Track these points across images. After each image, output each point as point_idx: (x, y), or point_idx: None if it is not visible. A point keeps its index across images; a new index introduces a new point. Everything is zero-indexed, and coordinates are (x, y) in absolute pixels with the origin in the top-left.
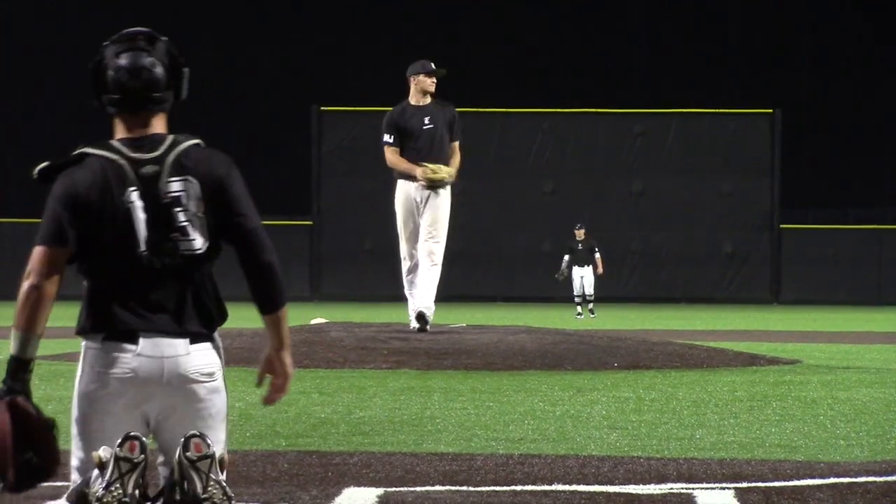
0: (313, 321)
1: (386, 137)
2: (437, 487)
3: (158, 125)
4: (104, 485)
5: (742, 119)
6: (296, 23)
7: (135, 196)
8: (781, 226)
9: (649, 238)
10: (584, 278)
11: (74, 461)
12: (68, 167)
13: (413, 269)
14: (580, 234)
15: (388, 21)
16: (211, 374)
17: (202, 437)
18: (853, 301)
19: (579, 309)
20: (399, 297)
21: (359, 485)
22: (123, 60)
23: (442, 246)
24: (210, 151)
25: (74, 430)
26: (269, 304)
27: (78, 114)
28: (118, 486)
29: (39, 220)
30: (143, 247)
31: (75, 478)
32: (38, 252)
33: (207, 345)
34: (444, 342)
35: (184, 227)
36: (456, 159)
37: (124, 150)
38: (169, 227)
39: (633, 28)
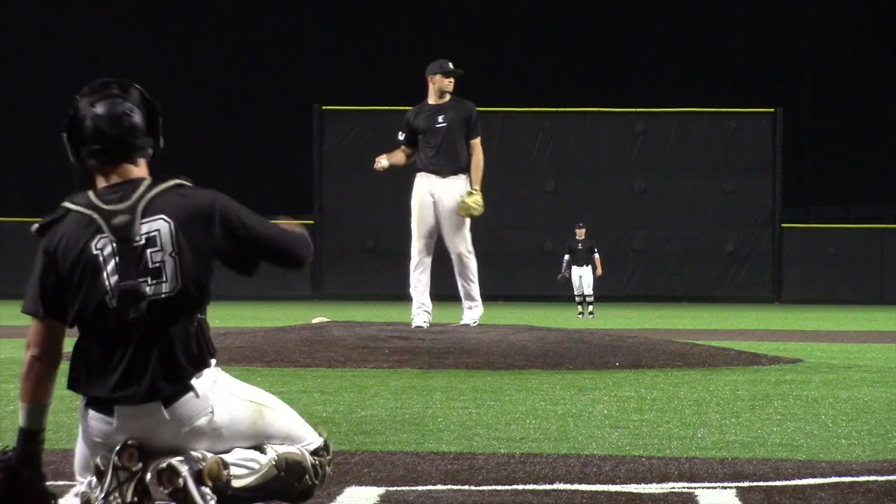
0: (314, 320)
1: (398, 135)
2: (439, 486)
3: (139, 171)
4: (103, 494)
5: (743, 118)
6: (297, 22)
7: (102, 243)
8: (783, 225)
9: (651, 237)
10: (582, 278)
11: (78, 475)
12: (55, 224)
13: (419, 266)
14: (580, 233)
15: (390, 21)
16: (198, 428)
17: (170, 468)
18: (855, 300)
19: (580, 308)
20: (401, 297)
21: (360, 484)
22: (101, 109)
23: (468, 242)
24: (192, 190)
25: (78, 455)
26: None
27: None
28: (117, 495)
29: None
30: (111, 294)
31: (79, 481)
32: (32, 323)
33: (189, 396)
34: (446, 341)
35: (156, 268)
36: (477, 157)
37: (98, 202)
38: (140, 270)
39: (634, 27)
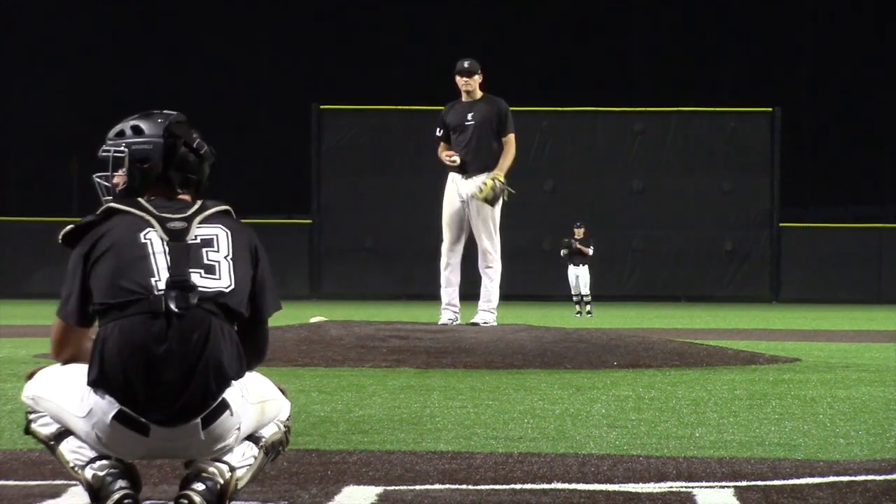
0: (312, 319)
1: (436, 132)
2: (437, 486)
3: (186, 198)
4: None
5: (742, 117)
6: (296, 21)
7: (152, 236)
8: (781, 224)
9: (649, 236)
10: (579, 278)
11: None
12: (94, 226)
13: (448, 266)
14: (579, 232)
15: (388, 21)
16: (226, 444)
17: (187, 498)
18: (853, 299)
19: (578, 307)
20: (399, 296)
21: (358, 483)
22: (205, 146)
23: (496, 243)
24: (239, 221)
25: (68, 427)
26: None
27: (76, 112)
28: None
29: (36, 219)
30: (159, 284)
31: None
32: (55, 325)
33: (226, 415)
34: (444, 341)
35: (211, 265)
36: (508, 149)
37: (152, 208)
38: (193, 263)
39: (632, 26)
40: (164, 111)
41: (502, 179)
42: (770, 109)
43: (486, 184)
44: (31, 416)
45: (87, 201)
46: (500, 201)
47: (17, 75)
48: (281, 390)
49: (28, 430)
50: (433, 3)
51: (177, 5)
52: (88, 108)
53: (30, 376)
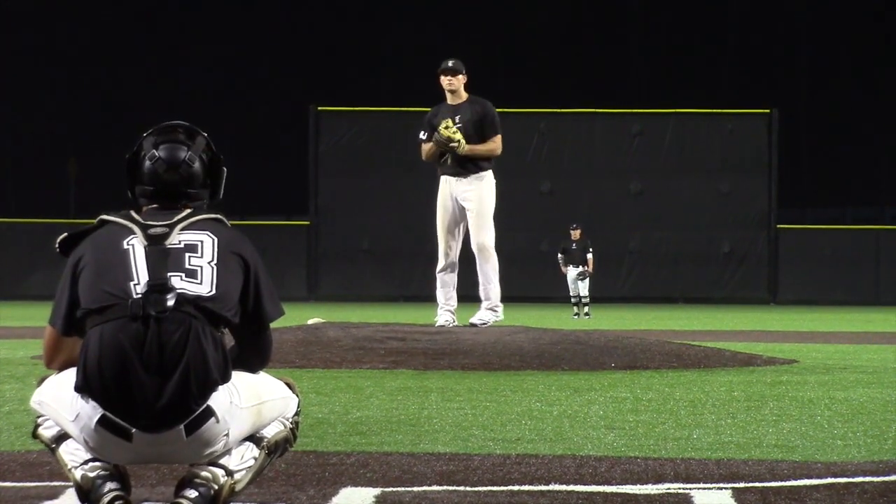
0: (310, 321)
1: (420, 134)
2: (434, 487)
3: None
4: None
5: (739, 119)
6: (294, 22)
7: (134, 241)
8: (779, 226)
9: (647, 238)
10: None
11: (54, 425)
12: (86, 235)
13: (445, 268)
14: (575, 234)
15: (386, 21)
16: (214, 450)
17: None
18: (850, 301)
19: (575, 309)
20: (397, 298)
21: (356, 485)
22: (161, 152)
23: (491, 238)
24: (231, 227)
25: (61, 428)
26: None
27: (73, 112)
28: None
29: (34, 220)
30: (137, 288)
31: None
32: (46, 333)
33: (210, 422)
34: (442, 342)
35: (193, 270)
36: (493, 145)
37: (139, 218)
38: (172, 267)
39: (630, 28)
40: (169, 123)
41: (452, 130)
42: (767, 111)
43: (448, 127)
44: (38, 421)
45: (85, 202)
46: (491, 193)
47: (16, 76)
48: (288, 385)
49: (35, 434)
50: (431, 4)
51: (175, 6)
52: (87, 110)
53: (40, 382)
